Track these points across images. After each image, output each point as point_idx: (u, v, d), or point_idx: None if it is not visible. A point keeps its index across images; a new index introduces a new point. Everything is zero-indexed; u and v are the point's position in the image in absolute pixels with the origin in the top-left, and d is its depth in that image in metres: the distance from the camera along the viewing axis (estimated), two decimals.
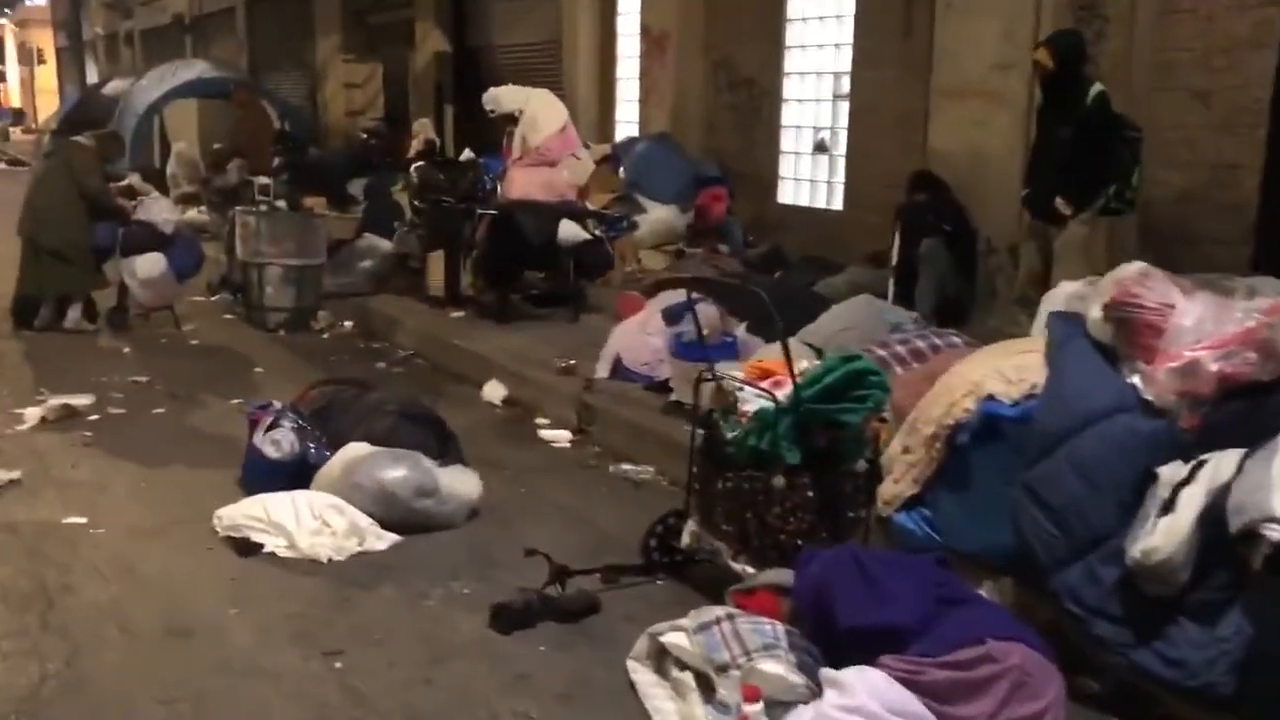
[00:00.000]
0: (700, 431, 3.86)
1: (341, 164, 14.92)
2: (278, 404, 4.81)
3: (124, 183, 8.62)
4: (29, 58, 44.53)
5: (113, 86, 21.49)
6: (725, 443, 3.72)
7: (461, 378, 6.99)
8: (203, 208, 13.25)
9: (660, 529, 4.01)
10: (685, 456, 5.24)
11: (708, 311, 6.00)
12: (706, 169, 10.01)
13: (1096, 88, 5.93)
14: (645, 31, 10.66)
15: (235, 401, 6.18)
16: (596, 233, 7.90)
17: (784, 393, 3.60)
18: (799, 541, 3.54)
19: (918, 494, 3.87)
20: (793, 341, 5.34)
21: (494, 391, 6.50)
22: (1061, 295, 4.10)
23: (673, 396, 5.49)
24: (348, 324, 8.61)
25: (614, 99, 11.73)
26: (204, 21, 24.58)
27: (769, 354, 4.55)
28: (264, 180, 9.72)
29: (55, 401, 5.84)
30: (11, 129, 36.00)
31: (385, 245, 9.81)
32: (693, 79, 10.38)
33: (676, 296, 6.57)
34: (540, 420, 6.09)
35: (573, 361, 6.41)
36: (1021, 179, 6.47)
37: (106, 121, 18.95)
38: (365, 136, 15.81)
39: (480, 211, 8.00)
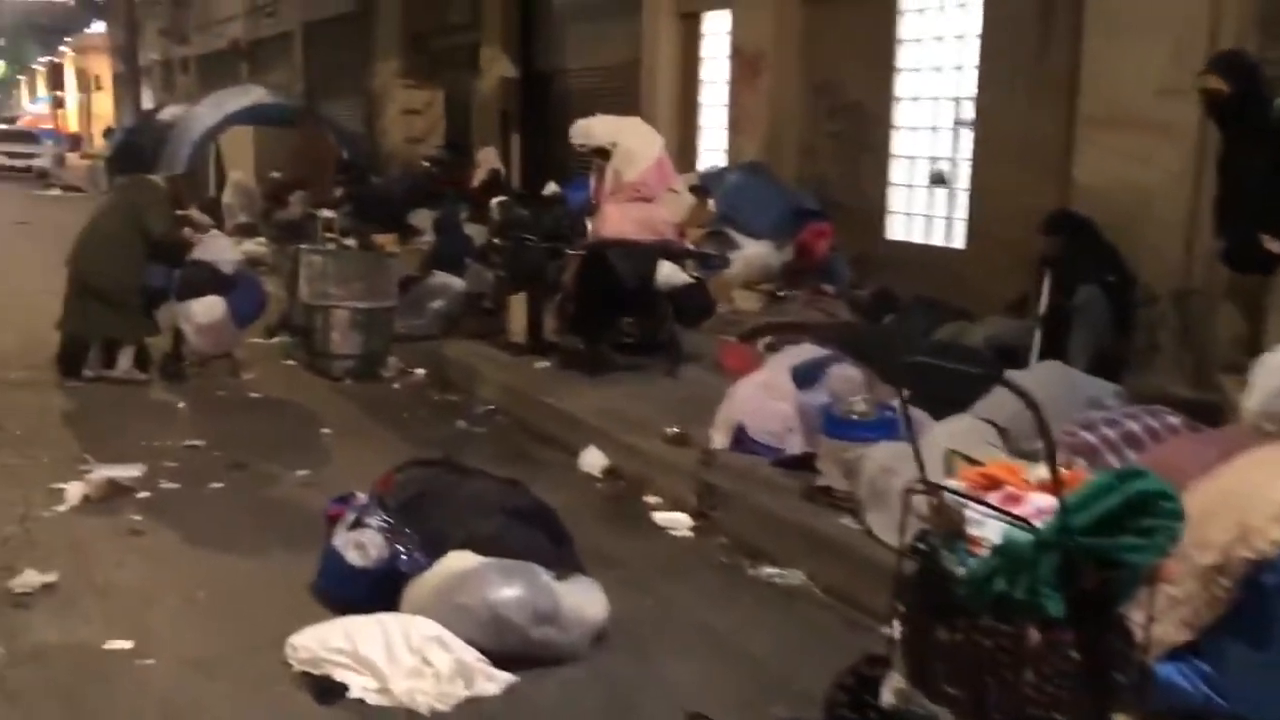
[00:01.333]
0: (912, 561, 2.99)
1: (402, 194, 14.27)
2: (361, 496, 4.02)
3: (182, 213, 7.96)
4: (87, 84, 44.91)
5: (168, 113, 21.13)
6: (952, 580, 2.85)
7: (551, 440, 6.18)
8: (260, 239, 12.67)
9: (851, 680, 3.14)
10: (839, 556, 4.44)
11: (846, 375, 5.16)
12: (804, 201, 9.19)
13: None
14: (737, 53, 9.88)
15: (302, 473, 5.42)
16: (697, 274, 7.09)
17: (1038, 516, 2.73)
18: (1055, 716, 2.67)
19: (1191, 640, 3.00)
20: (968, 420, 4.50)
21: (593, 461, 5.68)
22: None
23: (820, 481, 4.63)
24: (419, 372, 7.86)
25: (696, 125, 10.95)
26: (260, 47, 24.25)
27: (967, 444, 3.67)
28: (328, 214, 9.04)
29: (101, 474, 5.10)
30: (68, 154, 36.10)
31: (458, 284, 9.08)
32: (790, 104, 9.57)
33: (803, 351, 5.76)
34: (650, 499, 5.25)
35: (684, 429, 5.57)
36: (1213, 228, 5.54)
37: (161, 148, 18.60)
38: (427, 165, 15.18)
39: (569, 251, 7.23)
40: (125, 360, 7.13)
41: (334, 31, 20.08)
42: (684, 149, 10.99)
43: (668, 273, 6.83)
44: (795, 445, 5.19)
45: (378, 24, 17.66)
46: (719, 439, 5.38)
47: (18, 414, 6.37)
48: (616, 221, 6.95)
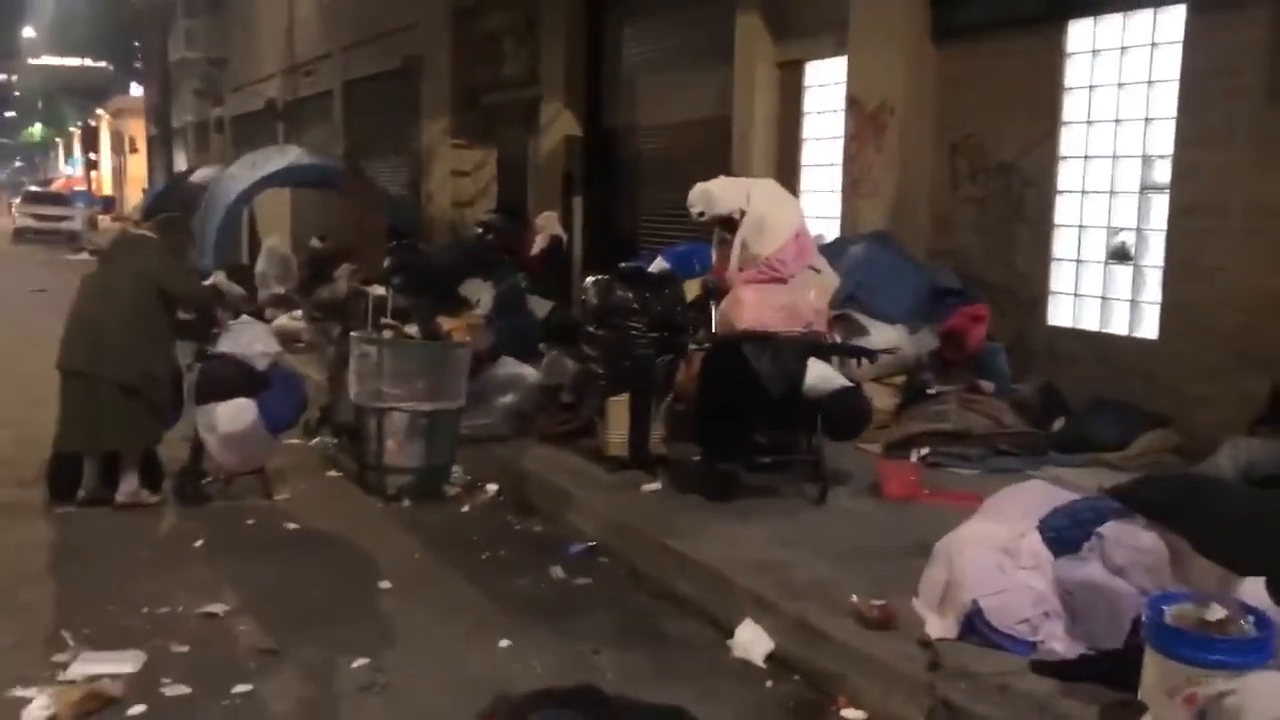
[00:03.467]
0: None
1: (452, 263, 12.92)
2: None
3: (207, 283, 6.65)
4: (121, 147, 44.46)
5: (201, 174, 20.06)
6: None
7: (683, 602, 4.65)
8: (297, 313, 11.31)
9: None
10: None
11: (1137, 543, 3.64)
12: (943, 279, 7.71)
13: None
14: (854, 106, 8.47)
15: (360, 664, 3.92)
16: (852, 378, 5.60)
17: None
18: None
19: None
20: None
21: (752, 643, 4.15)
22: None
23: (1147, 718, 3.07)
24: (490, 489, 6.38)
25: (798, 189, 9.53)
26: (297, 106, 23.26)
27: None
28: (379, 291, 7.64)
29: (80, 669, 3.64)
30: (101, 216, 35.37)
31: (530, 374, 7.65)
32: (920, 164, 8.14)
33: (1035, 493, 4.25)
34: (851, 715, 3.71)
35: (885, 603, 4.04)
36: None
37: (194, 211, 17.45)
38: (480, 231, 13.85)
39: (691, 347, 5.78)
40: (132, 480, 5.68)
41: (377, 89, 18.99)
42: None
43: (821, 375, 5.34)
44: (1055, 637, 3.66)
45: (425, 80, 16.49)
46: (940, 625, 3.84)
47: None
48: (755, 309, 5.48)
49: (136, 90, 42.08)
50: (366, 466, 6.34)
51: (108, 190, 45.57)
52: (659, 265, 9.18)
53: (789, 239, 5.83)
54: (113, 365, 5.51)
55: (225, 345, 5.83)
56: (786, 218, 5.91)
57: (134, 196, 37.21)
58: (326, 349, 7.46)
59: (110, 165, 48.32)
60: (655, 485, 5.77)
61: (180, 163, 30.07)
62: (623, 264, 8.24)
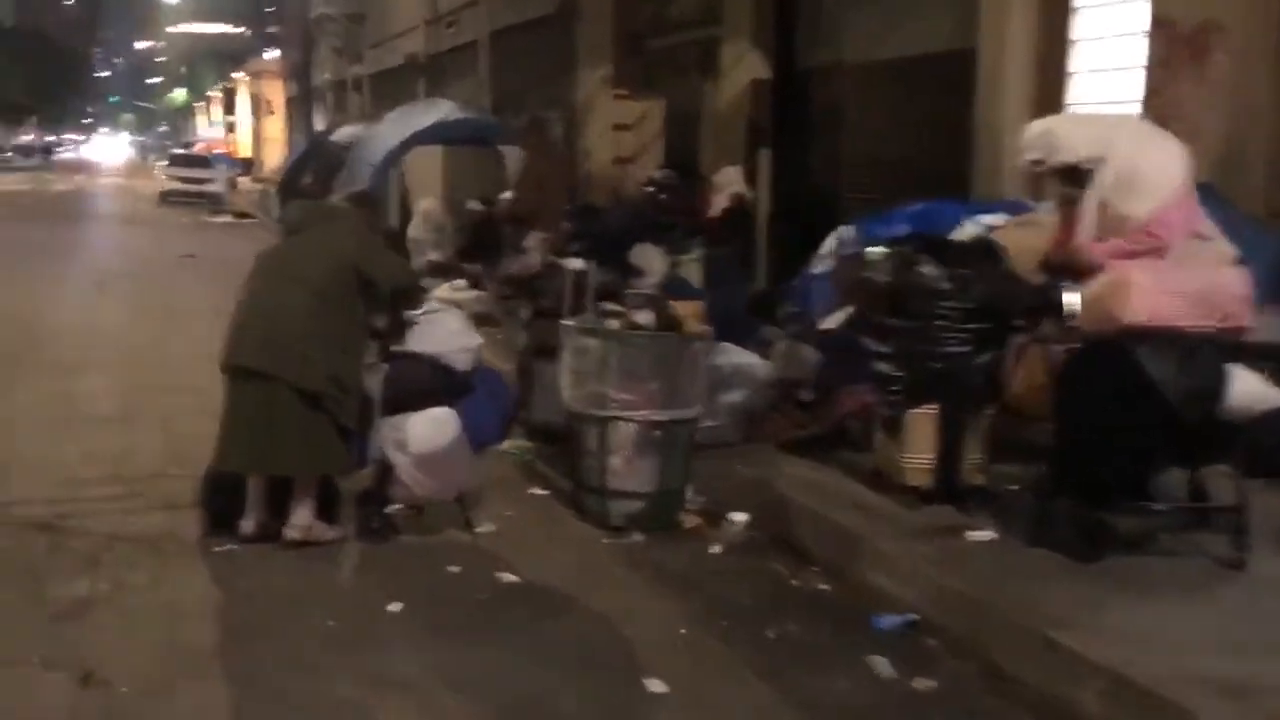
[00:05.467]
0: None
1: (620, 227, 11.56)
2: None
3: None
4: (259, 109, 44.58)
5: (343, 133, 19.10)
6: None
7: None
8: (460, 282, 10.09)
9: None
10: None
11: None
12: None
13: None
14: (1163, 27, 6.70)
15: None
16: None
17: None
18: None
19: None
20: None
21: None
22: None
23: None
24: (737, 520, 4.99)
25: None
26: (439, 60, 22.22)
27: None
28: (578, 265, 6.33)
29: None
30: (240, 178, 35.31)
31: (759, 367, 6.22)
32: (1257, 99, 6.35)
33: None
34: None
35: None
36: None
37: (336, 172, 16.50)
38: (652, 190, 12.46)
39: (1021, 341, 4.26)
40: (306, 509, 4.46)
41: (527, 38, 17.72)
42: None
43: (1249, 390, 3.76)
44: None
45: (582, 26, 15.11)
46: None
47: (125, 624, 3.78)
48: (1150, 295, 3.91)
49: (271, 54, 42.07)
50: (584, 488, 5.03)
51: (245, 152, 45.80)
52: (892, 230, 7.73)
53: (1173, 197, 4.22)
54: (295, 366, 4.26)
55: (417, 341, 4.55)
56: (1168, 167, 4.30)
57: (271, 158, 37.13)
58: (515, 334, 6.14)
59: (249, 128, 48.61)
60: (986, 534, 4.27)
61: (318, 123, 29.54)
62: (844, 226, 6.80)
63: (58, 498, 4.99)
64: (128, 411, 6.62)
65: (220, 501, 4.57)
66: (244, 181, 35.22)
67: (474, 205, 11.36)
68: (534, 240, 6.72)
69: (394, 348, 4.55)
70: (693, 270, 11.10)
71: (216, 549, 4.44)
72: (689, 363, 4.99)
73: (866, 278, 4.88)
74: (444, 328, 4.60)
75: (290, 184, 20.90)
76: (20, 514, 4.75)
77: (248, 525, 4.48)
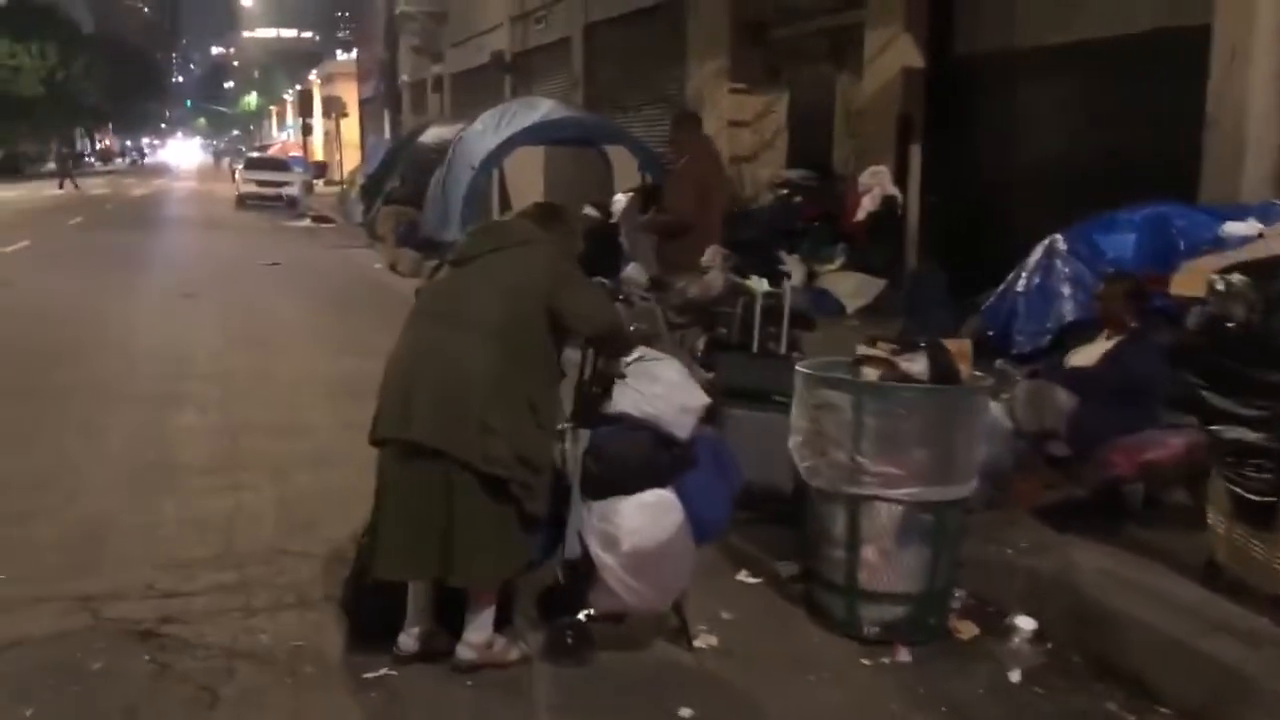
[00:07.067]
0: None
1: (759, 232, 10.42)
2: None
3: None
4: (332, 111, 44.17)
5: (430, 134, 18.26)
6: None
7: None
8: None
9: None
10: None
11: None
12: None
13: None
14: None
15: None
16: None
17: None
18: None
19: None
20: None
21: None
22: None
23: None
24: (1023, 626, 3.81)
25: None
26: (527, 57, 21.27)
27: None
28: (769, 289, 5.19)
29: None
30: (315, 181, 34.77)
31: (1001, 419, 5.00)
32: None
33: None
34: None
35: None
36: None
37: (426, 175, 15.55)
38: (785, 192, 11.31)
39: None
40: (484, 623, 3.36)
41: (625, 31, 16.67)
42: None
43: None
44: None
45: (693, 15, 13.99)
46: None
47: None
48: None
49: (344, 57, 41.67)
50: (821, 582, 3.90)
51: (319, 155, 45.40)
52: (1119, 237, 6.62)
53: None
54: (477, 441, 3.16)
55: (624, 400, 3.44)
56: None
57: (348, 161, 36.60)
58: (692, 368, 5.01)
59: (321, 130, 48.27)
60: None
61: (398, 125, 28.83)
62: None
63: (159, 588, 3.99)
64: (232, 459, 5.63)
65: (372, 608, 3.51)
66: (319, 185, 34.69)
67: (590, 211, 10.28)
68: (713, 256, 5.59)
69: (600, 408, 3.45)
70: (838, 281, 9.98)
71: (368, 675, 3.36)
72: (964, 422, 3.82)
73: (1214, 315, 3.67)
74: (661, 379, 3.49)
75: (375, 187, 20.13)
76: (116, 615, 3.74)
77: (408, 641, 3.41)
